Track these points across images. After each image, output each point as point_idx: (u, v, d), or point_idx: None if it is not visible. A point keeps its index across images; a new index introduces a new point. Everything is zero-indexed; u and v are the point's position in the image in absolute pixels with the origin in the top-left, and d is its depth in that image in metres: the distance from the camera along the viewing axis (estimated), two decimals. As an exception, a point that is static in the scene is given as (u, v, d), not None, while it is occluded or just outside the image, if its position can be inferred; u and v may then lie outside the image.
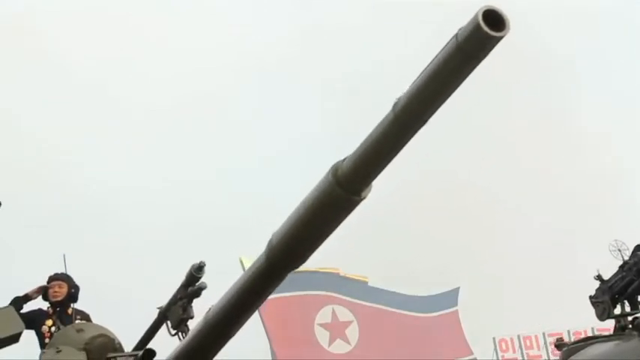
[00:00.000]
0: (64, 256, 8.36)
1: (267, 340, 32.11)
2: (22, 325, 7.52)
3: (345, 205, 4.64)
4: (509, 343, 36.70)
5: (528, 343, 36.83)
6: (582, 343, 9.48)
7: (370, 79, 36.99)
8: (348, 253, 28.41)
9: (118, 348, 6.58)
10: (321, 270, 32.79)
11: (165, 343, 6.63)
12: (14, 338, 7.38)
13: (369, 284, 35.85)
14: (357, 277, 35.52)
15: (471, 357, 37.01)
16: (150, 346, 6.61)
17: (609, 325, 36.60)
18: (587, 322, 36.07)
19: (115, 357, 6.12)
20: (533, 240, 37.11)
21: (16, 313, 7.62)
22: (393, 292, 36.84)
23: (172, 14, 39.15)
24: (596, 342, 9.64)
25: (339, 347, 35.10)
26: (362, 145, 4.50)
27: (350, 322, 35.80)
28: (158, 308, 6.64)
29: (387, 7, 36.64)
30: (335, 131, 39.50)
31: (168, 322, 6.57)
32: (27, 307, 8.21)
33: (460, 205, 36.35)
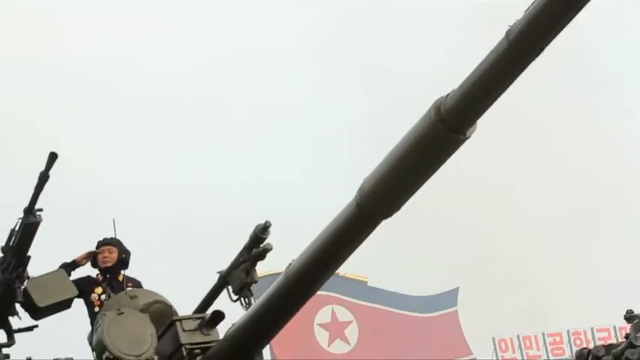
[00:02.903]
0: (113, 220, 8.03)
1: (266, 340, 31.78)
2: (75, 289, 7.20)
3: (448, 144, 4.37)
4: (509, 343, 36.47)
5: (528, 343, 36.63)
6: None
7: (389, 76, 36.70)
8: (348, 253, 28.03)
9: (175, 315, 6.30)
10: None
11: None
12: (66, 304, 7.07)
13: (369, 284, 35.70)
14: (356, 277, 35.32)
15: (470, 357, 36.89)
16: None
17: (609, 325, 36.03)
18: (586, 321, 36.22)
19: (180, 320, 5.82)
20: (533, 240, 36.92)
21: (67, 276, 7.38)
22: (393, 292, 36.70)
23: (187, 7, 38.83)
24: None
25: (339, 347, 34.91)
26: (470, 77, 4.20)
27: (349, 322, 35.65)
28: (218, 272, 6.32)
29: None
30: (336, 131, 39.40)
31: (229, 287, 6.24)
32: (75, 275, 7.80)
33: (460, 205, 36.16)
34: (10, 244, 6.55)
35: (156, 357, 5.73)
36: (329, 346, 34.82)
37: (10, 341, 6.81)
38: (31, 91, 35.06)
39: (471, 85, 4.18)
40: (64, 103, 34.15)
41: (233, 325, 5.65)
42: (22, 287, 6.57)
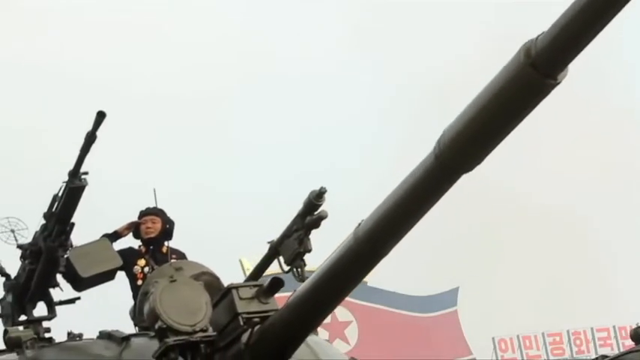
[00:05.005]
0: (154, 190, 7.74)
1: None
2: (120, 259, 6.81)
3: (538, 90, 4.04)
4: (509, 343, 36.37)
5: (528, 343, 36.54)
6: None
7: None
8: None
9: (222, 287, 5.99)
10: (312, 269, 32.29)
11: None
12: (110, 275, 6.72)
13: (369, 284, 35.46)
14: (356, 277, 35.09)
15: (470, 357, 36.77)
16: None
17: (609, 325, 35.82)
18: (586, 321, 36.11)
19: (236, 287, 5.49)
20: (534, 240, 36.79)
21: (111, 245, 7.07)
22: (393, 292, 36.58)
23: (187, 6, 38.69)
24: None
25: (339, 347, 34.44)
26: (564, 15, 3.87)
27: (349, 322, 35.52)
28: (269, 242, 6.01)
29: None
30: (336, 130, 39.25)
31: (281, 258, 5.94)
32: (116, 246, 7.44)
33: (460, 205, 35.97)
34: (53, 210, 6.25)
35: (210, 327, 5.40)
36: (329, 346, 34.58)
37: (51, 314, 6.48)
38: (31, 92, 34.88)
39: (566, 25, 3.87)
40: (63, 104, 33.98)
41: (294, 291, 5.34)
42: (65, 256, 6.24)
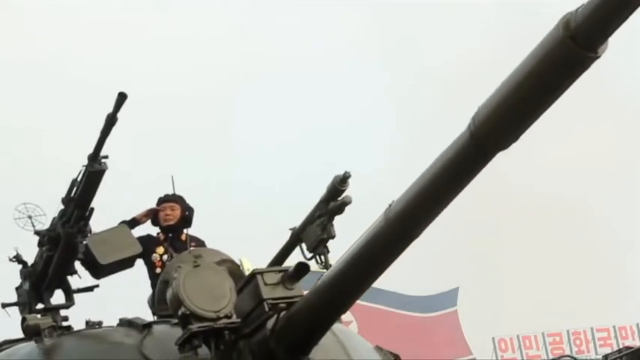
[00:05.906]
0: (172, 177, 7.63)
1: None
2: (139, 246, 6.61)
3: (578, 64, 3.92)
4: (509, 343, 36.29)
5: (528, 343, 36.46)
6: None
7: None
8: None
9: (243, 275, 5.87)
10: (320, 270, 32.19)
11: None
12: (129, 262, 6.56)
13: (369, 284, 35.40)
14: (356, 278, 34.98)
15: (470, 357, 36.68)
16: None
17: (609, 325, 35.66)
18: (586, 321, 36.06)
19: (261, 272, 5.36)
20: (534, 240, 36.74)
21: (131, 232, 6.86)
22: (393, 292, 36.46)
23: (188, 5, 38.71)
24: None
25: (338, 347, 34.58)
26: None
27: (349, 323, 35.32)
28: (291, 229, 5.90)
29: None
30: (336, 130, 39.16)
31: (303, 245, 5.82)
32: (134, 233, 7.28)
33: (460, 204, 35.82)
34: (72, 195, 6.11)
35: (234, 314, 5.27)
36: (329, 345, 34.49)
37: (69, 302, 6.35)
38: (31, 92, 34.80)
39: None
40: (63, 104, 33.89)
41: (321, 275, 5.21)
42: (84, 243, 6.10)
